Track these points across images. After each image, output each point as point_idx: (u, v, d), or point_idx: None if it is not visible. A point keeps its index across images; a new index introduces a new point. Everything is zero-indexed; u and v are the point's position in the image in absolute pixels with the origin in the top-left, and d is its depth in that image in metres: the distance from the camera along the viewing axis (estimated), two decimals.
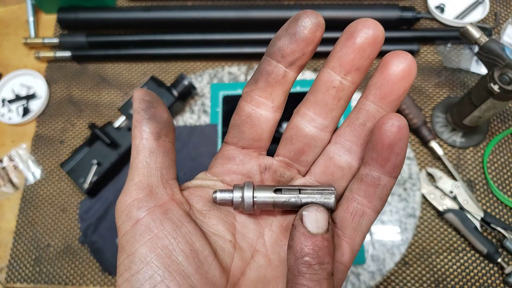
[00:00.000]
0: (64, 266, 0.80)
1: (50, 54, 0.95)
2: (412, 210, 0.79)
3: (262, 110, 0.30)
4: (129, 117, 0.84)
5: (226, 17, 0.91)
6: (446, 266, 0.75)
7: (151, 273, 0.26)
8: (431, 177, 0.81)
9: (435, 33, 0.91)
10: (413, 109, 0.82)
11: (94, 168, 0.82)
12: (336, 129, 0.32)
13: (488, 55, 0.67)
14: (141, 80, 0.94)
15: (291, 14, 0.88)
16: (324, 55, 0.88)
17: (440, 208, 0.77)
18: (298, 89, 0.89)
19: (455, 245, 0.77)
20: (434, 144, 0.80)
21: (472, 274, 0.75)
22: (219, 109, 0.89)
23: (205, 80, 0.92)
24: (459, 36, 0.70)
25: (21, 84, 0.95)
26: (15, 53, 1.00)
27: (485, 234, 0.76)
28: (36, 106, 0.93)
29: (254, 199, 0.30)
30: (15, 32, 1.03)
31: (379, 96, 0.28)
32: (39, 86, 0.95)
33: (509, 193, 0.79)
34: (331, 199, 0.29)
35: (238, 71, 0.93)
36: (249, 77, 0.89)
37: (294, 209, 0.30)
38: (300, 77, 0.91)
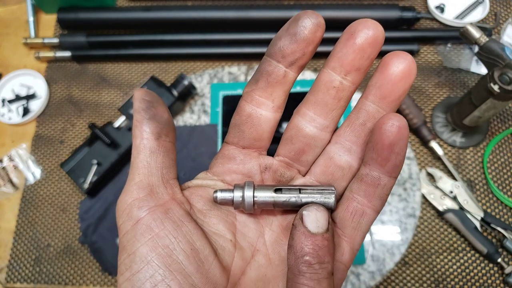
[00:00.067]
0: (64, 266, 0.80)
1: (50, 54, 0.95)
2: (412, 210, 0.79)
3: (262, 110, 0.30)
4: (129, 117, 0.84)
5: (226, 17, 0.91)
6: (446, 266, 0.75)
7: (152, 272, 0.26)
8: (431, 177, 0.81)
9: (435, 33, 0.91)
10: (413, 109, 0.82)
11: (94, 168, 0.82)
12: (336, 129, 0.32)
13: (488, 55, 0.67)
14: (141, 80, 0.94)
15: (291, 14, 0.88)
16: (325, 55, 0.88)
17: (440, 208, 0.77)
18: (298, 89, 0.89)
19: (455, 245, 0.77)
20: (434, 144, 0.80)
21: (472, 274, 0.75)
22: (219, 109, 0.89)
23: (205, 80, 0.92)
24: (459, 36, 0.70)
25: (21, 84, 0.95)
26: (15, 53, 1.00)
27: (485, 234, 0.76)
28: (36, 106, 0.93)
29: (255, 198, 0.30)
30: (15, 32, 1.03)
31: (379, 96, 0.29)
32: (39, 86, 0.95)
33: (509, 193, 0.79)
34: (331, 199, 0.29)
35: (238, 71, 0.93)
36: (249, 77, 0.90)
37: (294, 208, 0.30)
38: (300, 77, 0.91)
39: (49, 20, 1.03)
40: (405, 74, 0.27)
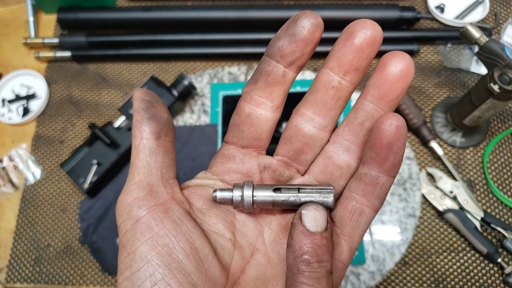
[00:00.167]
0: (64, 266, 0.81)
1: (50, 54, 0.96)
2: (412, 210, 0.79)
3: (261, 110, 0.30)
4: (129, 117, 0.84)
5: (226, 17, 0.92)
6: (446, 266, 0.75)
7: (152, 271, 0.26)
8: (431, 177, 0.81)
9: (435, 33, 0.91)
10: (413, 109, 0.82)
11: (94, 168, 0.82)
12: (335, 128, 0.32)
13: (488, 55, 0.67)
14: (141, 80, 0.94)
15: (291, 14, 0.88)
16: (325, 55, 0.88)
17: (440, 208, 0.77)
18: (298, 89, 0.89)
19: (455, 245, 0.77)
20: (434, 144, 0.80)
21: (472, 274, 0.75)
22: (219, 109, 0.89)
23: (205, 80, 0.92)
24: (459, 36, 0.70)
25: (21, 84, 0.96)
26: (15, 53, 1.00)
27: (485, 234, 0.76)
28: (36, 106, 0.93)
29: (254, 198, 0.30)
30: (15, 32, 1.03)
31: (377, 96, 0.29)
32: (39, 86, 0.95)
33: (509, 193, 0.79)
34: (329, 198, 0.29)
35: (238, 71, 0.93)
36: (249, 77, 0.90)
37: (293, 208, 0.30)
38: (300, 77, 0.91)
39: (49, 20, 1.03)
40: (403, 74, 0.27)
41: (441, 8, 0.93)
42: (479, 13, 0.93)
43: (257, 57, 0.92)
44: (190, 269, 0.27)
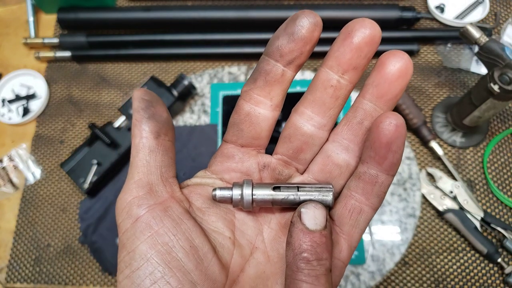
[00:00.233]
0: (64, 266, 0.81)
1: (50, 54, 0.96)
2: (412, 210, 0.79)
3: (260, 109, 0.30)
4: (129, 117, 0.84)
5: (226, 17, 0.92)
6: (446, 266, 0.75)
7: (152, 269, 0.26)
8: (431, 177, 0.81)
9: (435, 33, 0.91)
10: (413, 109, 0.82)
11: (94, 168, 0.82)
12: (334, 127, 0.32)
13: (488, 55, 0.67)
14: (141, 80, 0.94)
15: (291, 14, 0.88)
16: (325, 55, 0.88)
17: (440, 208, 0.77)
18: (298, 89, 0.89)
19: (455, 245, 0.77)
20: (434, 144, 0.80)
21: (472, 274, 0.75)
22: (219, 109, 0.89)
23: (205, 80, 0.93)
24: (459, 36, 0.70)
25: (21, 84, 0.96)
26: (15, 53, 1.00)
27: (485, 234, 0.76)
28: (36, 106, 0.93)
29: (253, 196, 0.30)
30: (15, 32, 1.03)
31: (376, 95, 0.29)
32: (39, 86, 0.95)
33: (509, 193, 0.79)
34: (329, 197, 0.29)
35: (238, 71, 0.93)
36: (249, 77, 0.90)
37: (292, 206, 0.30)
38: (300, 77, 0.91)
39: (49, 20, 1.03)
40: (401, 73, 0.28)
41: (441, 8, 0.94)
42: (479, 13, 0.93)
43: (257, 57, 0.92)
44: (189, 268, 0.27)
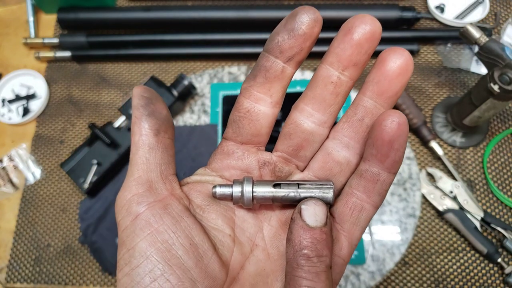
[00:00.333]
0: (64, 266, 0.80)
1: (50, 54, 0.96)
2: (412, 210, 0.79)
3: (260, 106, 0.30)
4: (129, 117, 0.84)
5: (226, 17, 0.92)
6: (446, 266, 0.75)
7: (151, 267, 0.26)
8: (431, 177, 0.81)
9: (435, 33, 0.91)
10: (413, 109, 0.82)
11: (94, 168, 0.82)
12: (334, 124, 0.32)
13: (488, 55, 0.67)
14: (141, 80, 0.94)
15: None
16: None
17: (440, 208, 0.77)
18: (298, 89, 0.89)
19: (455, 245, 0.76)
20: (434, 144, 0.80)
21: (472, 274, 0.75)
22: (219, 109, 0.89)
23: (205, 80, 0.93)
24: (459, 36, 0.70)
25: (21, 84, 0.96)
26: (15, 53, 1.00)
27: (485, 234, 0.76)
28: (36, 106, 0.93)
29: (254, 193, 0.30)
30: (15, 32, 1.03)
31: (376, 92, 0.29)
32: (39, 86, 0.95)
33: (509, 193, 0.79)
34: (329, 194, 0.29)
35: (238, 71, 0.93)
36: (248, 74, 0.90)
37: (293, 203, 0.30)
38: (300, 76, 0.91)
39: (49, 20, 1.03)
40: (402, 70, 0.27)
41: (441, 8, 0.94)
42: (479, 13, 0.93)
43: (257, 57, 0.92)
44: (189, 265, 0.27)
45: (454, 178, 0.79)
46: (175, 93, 0.85)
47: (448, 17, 0.93)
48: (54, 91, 0.95)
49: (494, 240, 0.76)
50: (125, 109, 0.85)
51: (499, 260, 0.73)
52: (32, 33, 1.00)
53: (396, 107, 0.83)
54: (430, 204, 0.79)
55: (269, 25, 0.91)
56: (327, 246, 0.26)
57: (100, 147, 0.83)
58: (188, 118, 0.89)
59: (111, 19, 0.95)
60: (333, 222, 0.30)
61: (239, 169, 0.32)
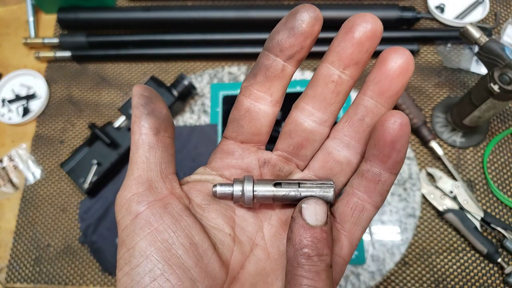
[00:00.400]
0: (64, 266, 0.80)
1: (50, 54, 0.96)
2: (412, 210, 0.79)
3: (261, 105, 0.30)
4: (129, 117, 0.84)
5: (226, 17, 0.92)
6: (446, 266, 0.75)
7: (151, 266, 0.26)
8: (431, 177, 0.81)
9: (435, 33, 0.91)
10: (413, 109, 0.82)
11: (94, 168, 0.82)
12: (334, 124, 0.32)
13: (488, 55, 0.67)
14: (141, 80, 0.94)
15: None
16: None
17: (440, 208, 0.77)
18: (298, 89, 0.89)
19: (455, 245, 0.76)
20: (434, 144, 0.80)
21: (472, 274, 0.75)
22: (219, 109, 0.89)
23: (205, 80, 0.92)
24: (459, 36, 0.70)
25: (21, 84, 0.96)
26: (15, 53, 1.00)
27: (485, 234, 0.76)
28: (36, 106, 0.93)
29: (254, 192, 0.30)
30: (15, 32, 1.03)
31: (377, 91, 0.29)
32: (39, 86, 0.95)
33: (509, 193, 0.79)
34: (330, 193, 0.29)
35: (238, 71, 0.93)
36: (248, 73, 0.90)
37: (293, 202, 0.30)
38: (300, 76, 0.91)
39: (49, 20, 1.03)
40: (403, 69, 0.27)
41: (441, 8, 0.94)
42: (479, 13, 0.93)
43: (257, 57, 0.92)
44: (189, 265, 0.27)
45: (454, 178, 0.79)
46: (175, 93, 0.85)
47: (448, 17, 0.93)
48: (54, 91, 0.95)
49: (494, 240, 0.76)
50: (125, 109, 0.85)
51: (499, 260, 0.73)
52: (32, 33, 1.00)
53: (396, 107, 0.83)
54: (430, 204, 0.79)
55: (269, 25, 0.91)
56: (327, 245, 0.26)
57: (100, 147, 0.83)
58: (188, 118, 0.89)
59: (111, 19, 0.95)
60: (334, 222, 0.30)
61: (239, 168, 0.32)
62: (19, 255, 0.82)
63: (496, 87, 0.66)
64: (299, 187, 0.30)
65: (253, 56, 0.93)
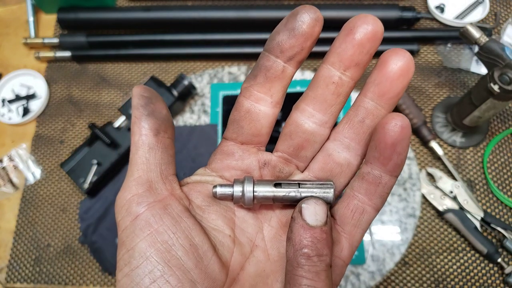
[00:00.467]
0: (64, 266, 0.80)
1: (50, 54, 0.96)
2: (412, 210, 0.79)
3: (261, 106, 0.30)
4: (129, 117, 0.84)
5: (226, 17, 0.92)
6: (446, 266, 0.75)
7: (151, 267, 0.26)
8: (431, 177, 0.81)
9: (435, 33, 0.91)
10: (413, 109, 0.82)
11: (94, 168, 0.82)
12: (335, 125, 0.32)
13: (488, 55, 0.67)
14: (141, 80, 0.94)
15: None
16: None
17: (440, 208, 0.77)
18: (298, 89, 0.89)
19: (455, 245, 0.76)
20: (434, 144, 0.80)
21: (472, 274, 0.75)
22: (219, 109, 0.89)
23: (205, 80, 0.92)
24: (459, 36, 0.70)
25: (21, 84, 0.96)
26: (15, 53, 1.00)
27: (485, 234, 0.76)
28: (36, 106, 0.93)
29: (255, 193, 0.30)
30: (15, 32, 1.03)
31: (377, 93, 0.29)
32: (39, 86, 0.95)
33: (509, 193, 0.79)
34: (330, 193, 0.29)
35: (238, 71, 0.93)
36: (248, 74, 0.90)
37: (293, 203, 0.30)
38: (300, 77, 0.91)
39: (49, 20, 1.03)
40: (403, 71, 0.27)
41: (441, 8, 0.93)
42: (479, 13, 0.93)
43: (257, 57, 0.92)
44: (189, 266, 0.27)
45: (454, 178, 0.79)
46: (175, 93, 0.85)
47: (448, 17, 0.93)
48: (54, 91, 0.95)
49: (494, 240, 0.76)
50: (125, 109, 0.85)
51: (499, 260, 0.73)
52: (32, 33, 1.00)
53: (396, 107, 0.83)
54: (430, 204, 0.79)
55: (269, 25, 0.91)
56: (327, 245, 0.26)
57: (100, 147, 0.83)
58: (188, 118, 0.89)
59: (111, 19, 0.95)
60: (334, 224, 0.30)
61: (239, 169, 0.32)
62: (19, 255, 0.82)
63: (496, 87, 0.66)
64: (299, 187, 0.30)
65: (253, 56, 0.93)
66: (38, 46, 0.98)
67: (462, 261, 0.75)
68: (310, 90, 0.30)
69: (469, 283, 0.74)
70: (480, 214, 0.75)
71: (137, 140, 0.30)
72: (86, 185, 0.81)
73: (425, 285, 0.75)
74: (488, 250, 0.73)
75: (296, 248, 0.26)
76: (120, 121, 0.85)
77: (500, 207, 0.78)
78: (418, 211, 0.79)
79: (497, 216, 0.77)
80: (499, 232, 0.75)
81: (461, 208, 0.76)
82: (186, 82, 0.86)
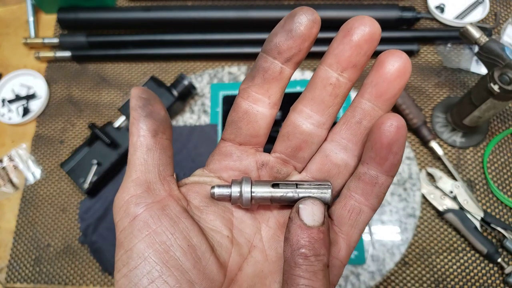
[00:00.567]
0: (64, 266, 0.80)
1: (50, 54, 0.96)
2: (412, 210, 0.79)
3: (259, 107, 0.30)
4: (129, 117, 0.84)
5: (226, 17, 0.92)
6: (446, 266, 0.75)
7: (149, 268, 0.26)
8: (431, 177, 0.81)
9: (435, 33, 0.91)
10: (413, 109, 0.82)
11: (94, 168, 0.82)
12: (332, 126, 0.32)
13: (488, 55, 0.67)
14: (141, 80, 0.94)
15: None
16: None
17: (440, 208, 0.77)
18: (298, 89, 0.89)
19: (455, 245, 0.76)
20: (434, 144, 0.80)
21: (472, 274, 0.75)
22: (219, 109, 0.89)
23: (205, 80, 0.92)
24: (459, 36, 0.70)
25: (21, 84, 0.96)
26: (15, 53, 1.00)
27: (485, 234, 0.76)
28: (36, 106, 0.93)
29: (252, 193, 0.30)
30: (15, 32, 1.03)
31: (374, 94, 0.29)
32: (39, 86, 0.95)
33: (509, 193, 0.79)
34: (327, 194, 0.30)
35: (238, 71, 0.93)
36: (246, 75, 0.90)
37: (291, 203, 0.30)
38: (300, 77, 0.91)
39: (49, 20, 1.03)
40: (400, 72, 0.27)
41: (441, 8, 0.93)
42: (479, 13, 0.93)
43: (257, 57, 0.92)
44: (187, 267, 0.27)
45: (454, 178, 0.79)
46: (175, 93, 0.85)
47: (448, 17, 0.93)
48: (54, 91, 0.95)
49: (494, 240, 0.76)
50: (125, 109, 0.85)
51: (499, 260, 0.73)
52: (32, 33, 1.00)
53: (396, 107, 0.83)
54: (430, 204, 0.79)
55: (269, 25, 0.91)
56: (324, 245, 0.26)
57: (100, 147, 0.83)
58: (188, 118, 0.89)
59: (111, 19, 0.95)
60: (332, 225, 0.30)
61: (237, 170, 0.32)
62: (19, 255, 0.82)
63: (496, 87, 0.66)
64: (296, 188, 0.30)
65: (253, 56, 0.93)
66: (38, 46, 0.99)
67: (462, 261, 0.75)
68: (308, 91, 0.30)
69: (469, 283, 0.74)
70: (480, 214, 0.75)
71: (135, 141, 0.30)
72: (86, 185, 0.81)
73: (425, 285, 0.75)
74: (488, 250, 0.73)
75: (293, 248, 0.26)
76: (120, 121, 0.85)
77: (500, 207, 0.78)
78: (418, 211, 0.79)
79: (497, 216, 0.77)
80: (499, 232, 0.75)
81: (461, 208, 0.76)
82: (186, 82, 0.86)
